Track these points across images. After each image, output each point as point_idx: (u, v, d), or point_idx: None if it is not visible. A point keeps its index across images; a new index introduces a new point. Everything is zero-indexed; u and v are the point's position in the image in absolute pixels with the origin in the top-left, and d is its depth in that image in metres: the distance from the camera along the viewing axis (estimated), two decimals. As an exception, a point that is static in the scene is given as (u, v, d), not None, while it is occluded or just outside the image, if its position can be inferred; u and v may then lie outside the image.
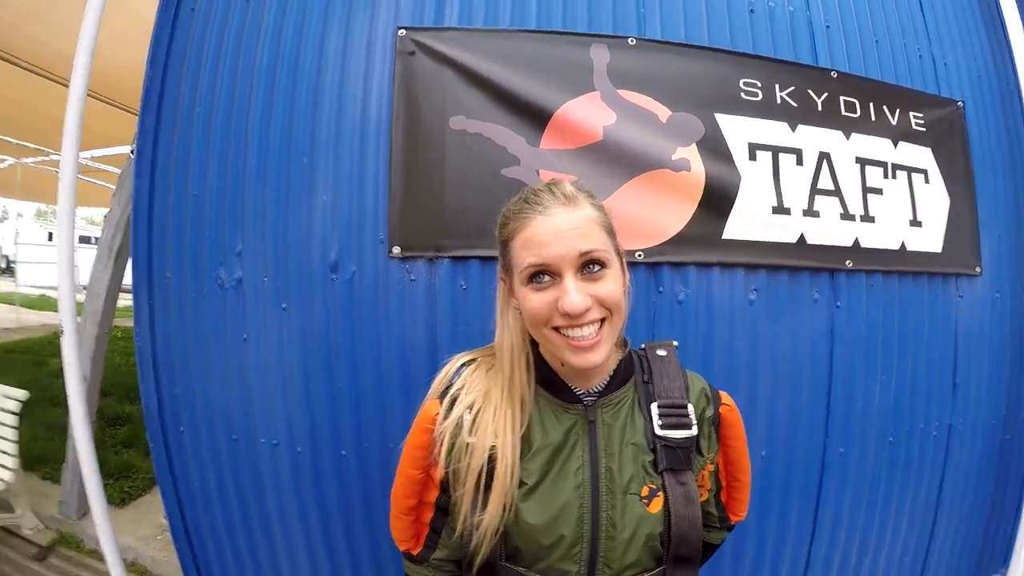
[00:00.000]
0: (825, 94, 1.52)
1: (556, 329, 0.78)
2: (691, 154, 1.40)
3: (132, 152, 1.61)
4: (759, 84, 1.47)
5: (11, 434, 2.88)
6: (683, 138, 1.40)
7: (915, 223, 1.56)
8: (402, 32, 1.42)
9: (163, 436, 1.52)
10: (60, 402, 4.00)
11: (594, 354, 0.77)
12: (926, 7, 1.73)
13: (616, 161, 1.38)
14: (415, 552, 0.92)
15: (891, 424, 1.59)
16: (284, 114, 1.44)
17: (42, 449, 3.76)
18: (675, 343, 0.94)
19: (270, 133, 1.44)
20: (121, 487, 3.32)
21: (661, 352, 0.91)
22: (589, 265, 0.76)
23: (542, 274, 0.77)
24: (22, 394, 2.93)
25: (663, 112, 1.41)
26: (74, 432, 1.56)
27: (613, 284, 0.78)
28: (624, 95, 1.41)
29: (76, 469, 2.90)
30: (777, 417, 1.48)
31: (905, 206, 1.55)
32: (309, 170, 1.42)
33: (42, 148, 6.87)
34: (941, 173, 1.61)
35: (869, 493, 1.60)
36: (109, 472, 3.37)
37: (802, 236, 1.44)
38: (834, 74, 1.55)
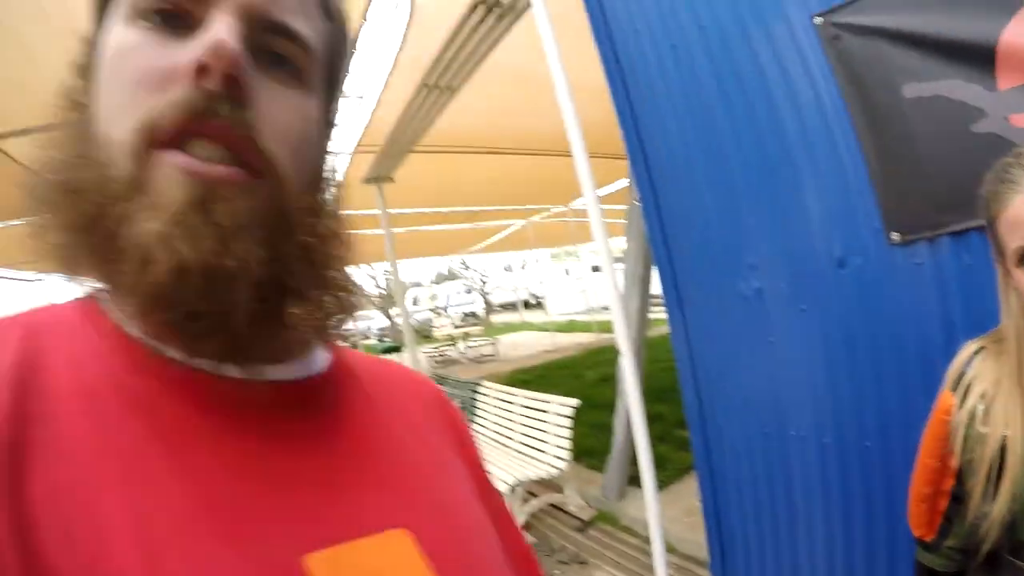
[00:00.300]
0: None
1: None
2: None
3: (636, 200, 2.06)
4: None
5: (566, 433, 3.59)
6: None
7: None
8: (818, 20, 1.40)
9: (702, 429, 1.86)
10: (599, 406, 5.01)
11: None
12: None
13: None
14: (928, 539, 0.96)
15: None
16: (750, 135, 1.60)
17: (587, 444, 4.53)
18: None
19: (744, 154, 1.63)
20: (656, 476, 3.72)
21: None
22: None
23: None
24: (575, 402, 3.63)
25: None
26: (634, 431, 1.94)
27: None
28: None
29: (619, 459, 3.62)
30: None
31: None
32: (793, 179, 1.54)
33: (543, 207, 8.80)
34: None
35: None
36: None
37: None
38: None
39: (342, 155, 5.61)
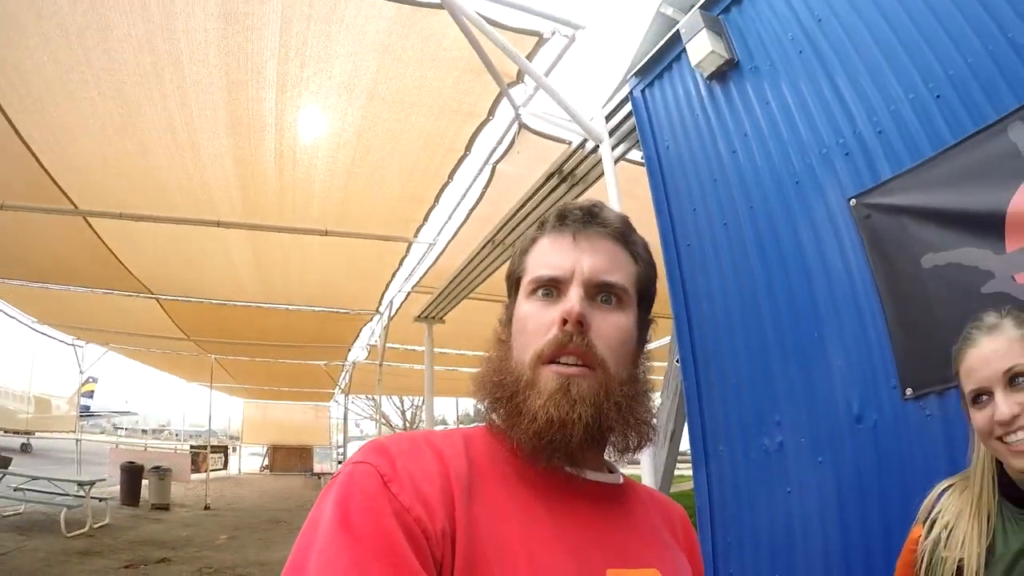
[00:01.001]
0: None
1: (999, 439, 0.86)
2: None
3: (676, 360, 2.22)
4: None
5: None
6: None
7: None
8: (853, 202, 1.61)
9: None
10: None
11: None
12: None
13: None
14: None
15: None
16: (786, 301, 1.77)
17: None
18: None
19: (779, 319, 1.78)
20: None
21: None
22: (1016, 378, 0.85)
23: (981, 395, 0.90)
24: None
25: None
26: None
27: None
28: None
29: None
30: None
31: None
32: (820, 341, 1.67)
33: None
34: None
35: None
36: None
37: None
38: None
39: (400, 293, 6.06)
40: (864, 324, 1.58)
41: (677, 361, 2.23)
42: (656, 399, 4.13)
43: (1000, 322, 0.93)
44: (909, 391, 1.45)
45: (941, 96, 1.46)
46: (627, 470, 0.72)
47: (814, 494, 1.64)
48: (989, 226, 1.35)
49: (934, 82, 1.48)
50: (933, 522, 0.99)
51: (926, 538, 0.98)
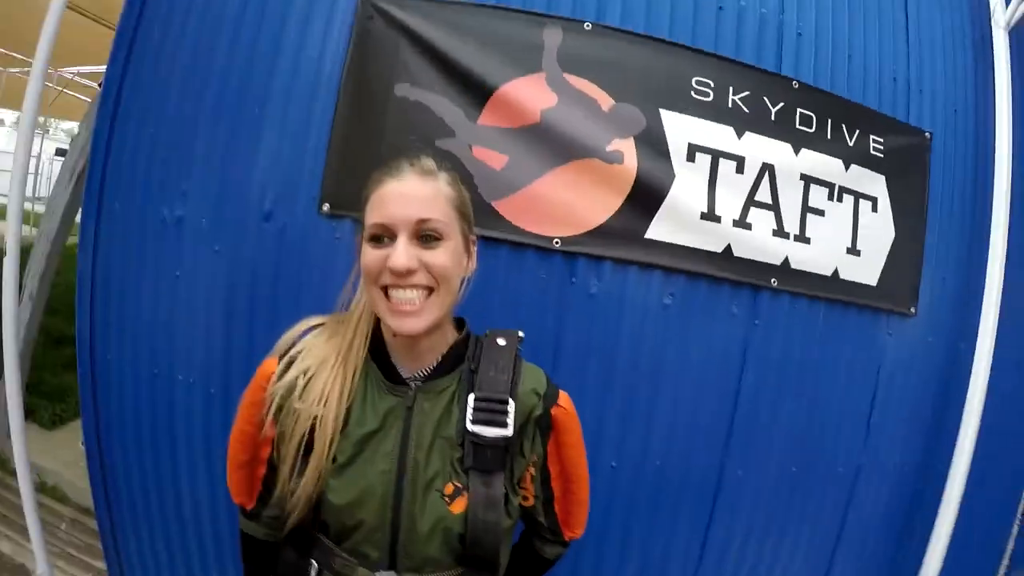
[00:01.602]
0: (781, 104, 1.44)
1: (384, 291, 0.77)
2: (627, 147, 1.34)
3: (99, 84, 1.62)
4: (712, 84, 1.40)
5: None
6: (622, 130, 1.35)
7: (853, 251, 1.48)
8: None
9: (91, 361, 1.55)
10: None
11: (414, 320, 0.76)
12: (912, 30, 1.62)
13: (550, 145, 1.33)
14: (248, 507, 0.93)
15: (796, 454, 1.52)
16: (244, 62, 1.43)
17: None
18: (520, 334, 0.89)
19: (228, 79, 1.43)
20: (54, 408, 3.20)
21: (501, 341, 0.87)
22: (426, 233, 0.77)
23: (382, 236, 0.77)
24: None
25: (606, 101, 1.36)
26: (3, 346, 1.56)
27: (445, 257, 0.78)
28: (570, 79, 1.35)
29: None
30: (676, 428, 1.43)
31: (845, 232, 1.47)
32: (259, 120, 1.41)
33: (28, 59, 6.63)
34: (891, 203, 1.52)
35: (764, 520, 1.54)
36: (45, 393, 3.26)
37: (729, 247, 1.38)
38: (795, 84, 1.46)
39: None
40: (308, 123, 1.40)
41: (100, 85, 1.64)
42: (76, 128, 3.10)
43: (437, 171, 0.83)
44: (327, 207, 1.34)
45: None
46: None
47: (203, 284, 1.45)
48: (476, 93, 1.36)
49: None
50: (291, 362, 0.85)
51: (279, 380, 0.84)
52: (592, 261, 1.36)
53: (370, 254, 0.78)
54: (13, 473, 2.72)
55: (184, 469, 1.52)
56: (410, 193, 0.77)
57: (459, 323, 0.91)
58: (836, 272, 1.47)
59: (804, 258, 1.43)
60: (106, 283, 1.53)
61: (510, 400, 0.81)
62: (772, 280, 1.42)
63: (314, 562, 0.83)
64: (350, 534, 0.81)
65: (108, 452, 1.60)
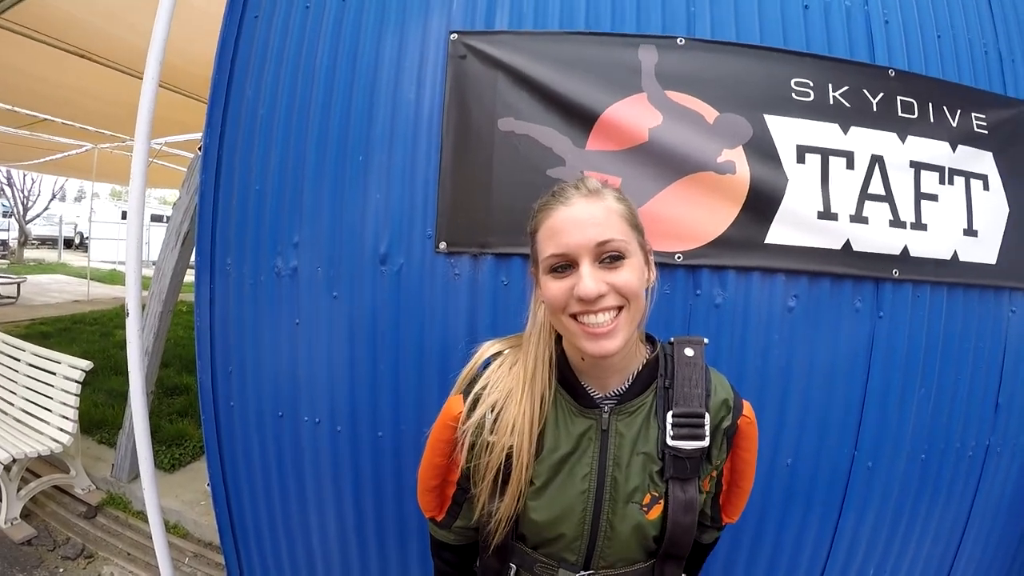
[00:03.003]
0: (881, 94, 1.40)
1: (573, 317, 0.76)
2: (737, 156, 1.32)
3: (199, 148, 1.63)
4: (811, 84, 1.37)
5: (72, 401, 2.96)
6: (730, 140, 1.32)
7: (970, 232, 1.42)
8: (454, 36, 1.38)
9: (214, 409, 1.59)
10: (123, 371, 4.14)
11: (609, 341, 0.74)
12: (995, 1, 1.56)
13: (661, 163, 1.31)
14: (439, 519, 0.96)
15: (924, 441, 1.47)
16: (341, 114, 1.44)
17: (102, 415, 3.86)
18: (705, 340, 0.88)
19: (328, 132, 1.45)
20: (172, 454, 3.37)
21: (688, 352, 0.86)
22: (607, 255, 0.74)
23: (563, 265, 0.75)
24: (86, 364, 3.01)
25: (710, 113, 1.33)
26: (131, 400, 1.60)
27: (630, 274, 0.75)
28: (671, 96, 1.33)
29: (131, 435, 2.89)
30: (807, 426, 1.40)
31: (960, 214, 1.42)
32: (364, 168, 1.42)
33: (118, 135, 7.18)
34: (1002, 179, 1.46)
35: (894, 509, 1.50)
36: (162, 439, 3.45)
37: (848, 243, 1.34)
38: (891, 72, 1.42)
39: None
40: (416, 165, 1.41)
41: (200, 149, 1.66)
42: (177, 193, 3.19)
43: (602, 190, 0.79)
44: (444, 245, 1.34)
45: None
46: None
47: (324, 329, 1.46)
48: (580, 120, 1.35)
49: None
50: (476, 400, 0.86)
51: (468, 418, 0.85)
52: (715, 272, 1.33)
53: (554, 287, 0.76)
54: (137, 514, 2.93)
55: (312, 503, 1.54)
56: (583, 217, 0.74)
57: (649, 338, 0.91)
58: (955, 255, 1.42)
59: (922, 245, 1.39)
60: (225, 335, 1.56)
61: (706, 415, 0.82)
62: (893, 271, 1.38)
63: (513, 566, 0.88)
64: (549, 544, 0.85)
65: (235, 491, 1.63)
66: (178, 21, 1.61)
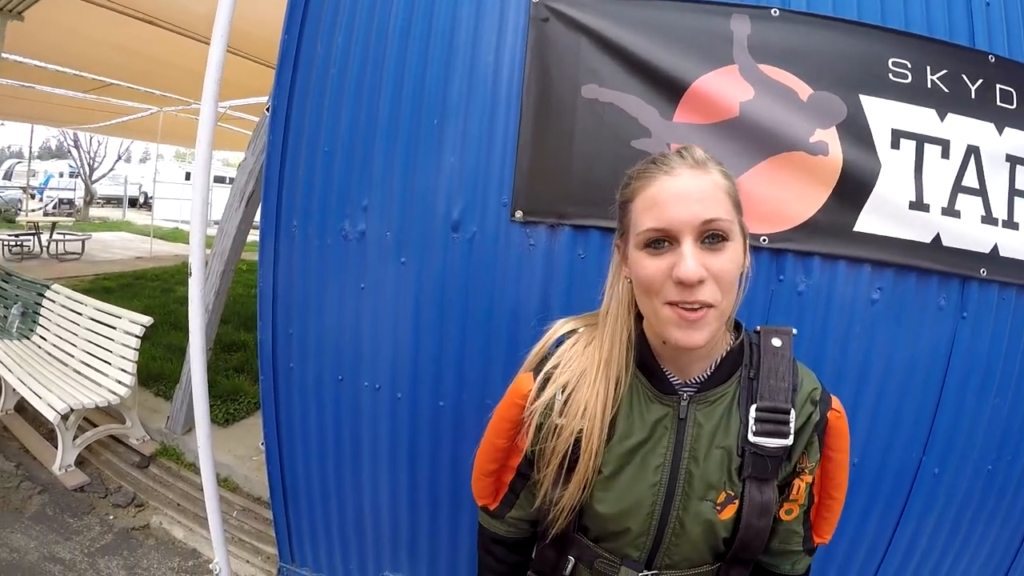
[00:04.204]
0: (980, 80, 1.31)
1: (668, 303, 0.67)
2: (830, 137, 1.24)
3: (267, 109, 1.57)
4: (909, 65, 1.28)
5: (131, 355, 2.99)
6: (824, 119, 1.24)
7: (1064, 233, 1.34)
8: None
9: (273, 370, 1.56)
10: (182, 327, 4.30)
11: (698, 334, 0.66)
12: (1106, -13, 1.46)
13: (751, 140, 1.24)
14: (492, 508, 0.90)
15: (993, 451, 1.40)
16: (416, 76, 1.37)
17: (159, 368, 3.87)
18: (793, 331, 0.80)
19: (402, 94, 1.38)
20: (227, 408, 3.37)
21: (776, 342, 0.78)
22: (711, 235, 0.66)
23: (660, 240, 0.67)
24: (146, 320, 3.03)
25: (804, 90, 1.25)
26: (190, 356, 1.58)
27: (730, 261, 0.66)
28: (764, 70, 1.25)
29: (187, 388, 3.00)
30: (878, 425, 1.33)
31: (1056, 213, 1.34)
32: (439, 131, 1.35)
33: (183, 99, 7.31)
34: (1102, 178, 1.38)
35: (954, 518, 1.43)
36: (218, 394, 3.44)
37: (938, 236, 1.27)
38: (991, 58, 1.32)
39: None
40: (494, 130, 1.34)
41: (267, 110, 1.57)
42: (242, 155, 3.16)
43: (708, 162, 0.70)
44: (519, 214, 1.28)
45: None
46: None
47: (390, 295, 1.41)
48: (668, 90, 1.28)
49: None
50: (547, 379, 0.79)
51: (536, 397, 0.79)
52: (800, 257, 1.26)
53: (649, 264, 0.67)
54: (189, 466, 2.94)
55: (367, 468, 1.51)
56: (689, 190, 0.66)
57: (735, 324, 0.82)
58: (1047, 257, 1.34)
59: (1013, 245, 1.31)
60: (287, 297, 1.52)
61: (792, 410, 0.74)
62: (981, 270, 1.30)
63: (572, 558, 0.83)
64: (614, 538, 0.79)
65: (288, 452, 1.60)
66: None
